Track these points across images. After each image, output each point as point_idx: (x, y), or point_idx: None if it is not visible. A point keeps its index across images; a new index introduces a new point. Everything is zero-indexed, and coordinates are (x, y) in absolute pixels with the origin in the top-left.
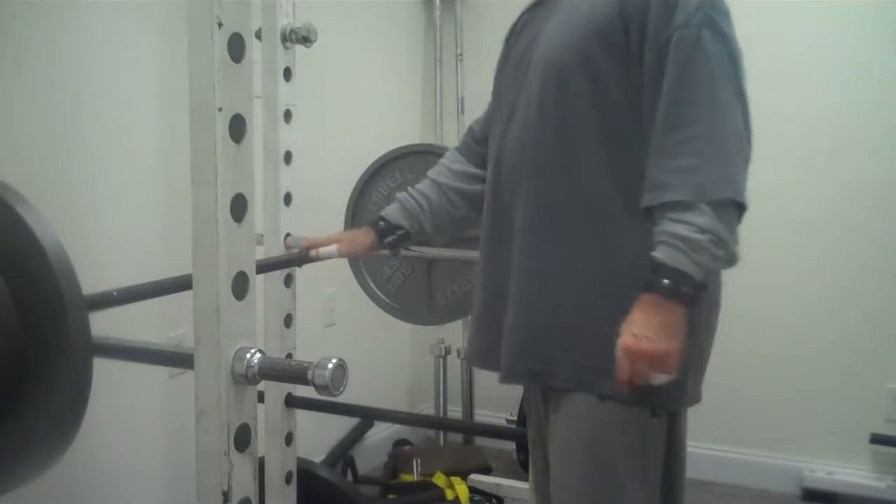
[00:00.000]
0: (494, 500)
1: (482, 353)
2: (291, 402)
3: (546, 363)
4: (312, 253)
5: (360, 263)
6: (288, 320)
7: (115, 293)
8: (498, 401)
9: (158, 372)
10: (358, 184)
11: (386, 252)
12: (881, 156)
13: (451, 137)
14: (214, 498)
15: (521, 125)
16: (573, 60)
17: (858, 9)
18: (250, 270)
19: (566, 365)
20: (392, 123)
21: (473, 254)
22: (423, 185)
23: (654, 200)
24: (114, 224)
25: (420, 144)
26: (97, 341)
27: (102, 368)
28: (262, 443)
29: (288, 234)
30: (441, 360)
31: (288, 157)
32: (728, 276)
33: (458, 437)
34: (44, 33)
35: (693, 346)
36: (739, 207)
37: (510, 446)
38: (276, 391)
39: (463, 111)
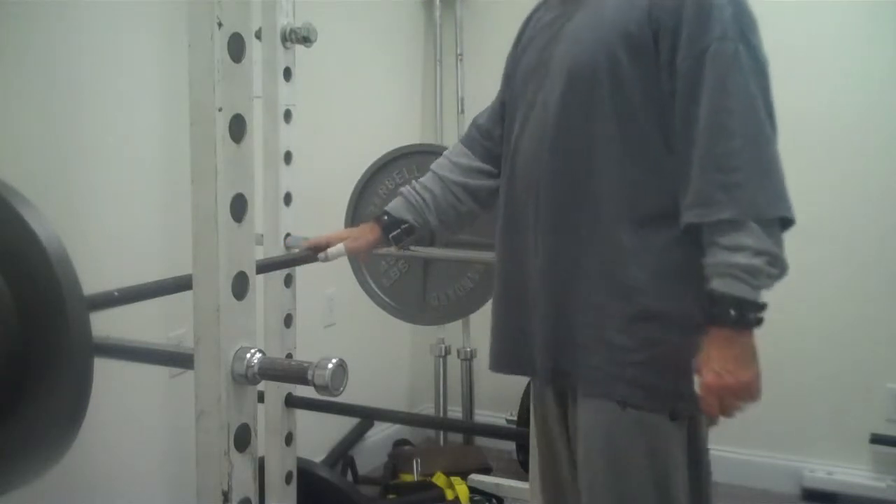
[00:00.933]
0: (494, 500)
1: (505, 357)
2: (291, 402)
3: (570, 365)
4: (321, 255)
5: (360, 263)
6: (288, 320)
7: (116, 293)
8: (498, 401)
9: (158, 372)
10: (358, 184)
11: (391, 248)
12: (881, 155)
13: (451, 137)
14: (214, 498)
15: (540, 126)
16: (598, 64)
17: (858, 8)
18: (250, 270)
19: (587, 369)
20: (392, 123)
21: (471, 255)
22: (427, 179)
23: (704, 218)
24: (114, 224)
25: (420, 144)
26: (97, 341)
27: (102, 368)
28: (262, 443)
29: (288, 234)
30: (441, 360)
31: (288, 157)
32: None
33: (458, 437)
34: (44, 33)
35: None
36: (786, 222)
37: (510, 446)
38: (276, 391)
39: (463, 111)
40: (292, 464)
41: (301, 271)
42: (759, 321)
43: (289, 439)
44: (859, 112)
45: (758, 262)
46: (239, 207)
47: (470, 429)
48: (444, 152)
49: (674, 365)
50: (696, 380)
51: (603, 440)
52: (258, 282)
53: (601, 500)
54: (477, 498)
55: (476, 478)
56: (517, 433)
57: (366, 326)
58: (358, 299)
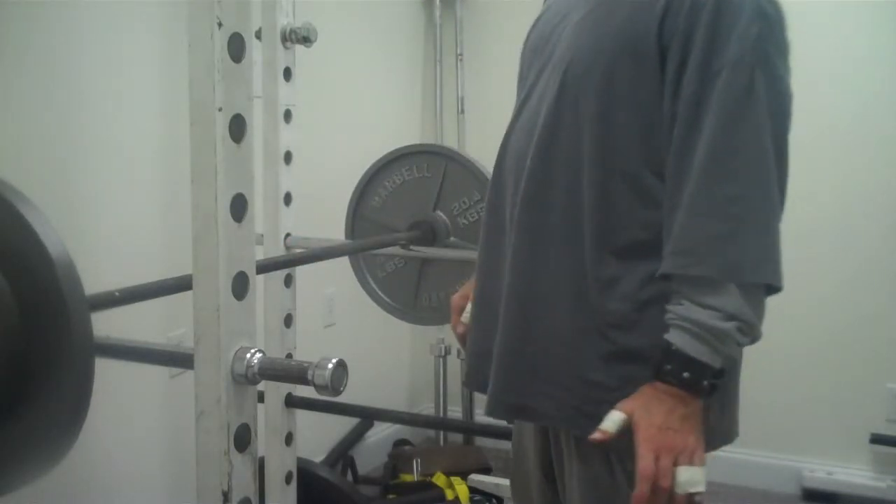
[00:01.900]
0: (494, 500)
1: (472, 376)
2: (291, 402)
3: (533, 400)
4: (460, 328)
5: (360, 262)
6: (288, 320)
7: (117, 293)
8: None
9: (158, 372)
10: (359, 184)
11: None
12: (881, 155)
13: (451, 137)
14: (214, 498)
15: (529, 128)
16: (595, 73)
17: (859, 8)
18: (250, 270)
19: (560, 406)
20: (392, 123)
21: (466, 255)
22: None
23: (680, 270)
24: (114, 224)
25: (420, 144)
26: (98, 341)
27: (103, 368)
28: (262, 443)
29: (288, 234)
30: (441, 360)
31: (288, 157)
32: None
33: (458, 437)
34: (44, 33)
35: (734, 379)
36: (771, 287)
37: (510, 446)
38: (276, 391)
39: (463, 111)
40: (292, 464)
41: (301, 271)
42: (712, 389)
43: (289, 439)
44: (860, 112)
45: (728, 326)
46: (239, 207)
47: (470, 429)
48: None
49: None
50: (614, 417)
51: (575, 479)
52: (258, 282)
53: None
54: (477, 498)
55: (476, 478)
56: None
57: (366, 326)
58: (358, 299)
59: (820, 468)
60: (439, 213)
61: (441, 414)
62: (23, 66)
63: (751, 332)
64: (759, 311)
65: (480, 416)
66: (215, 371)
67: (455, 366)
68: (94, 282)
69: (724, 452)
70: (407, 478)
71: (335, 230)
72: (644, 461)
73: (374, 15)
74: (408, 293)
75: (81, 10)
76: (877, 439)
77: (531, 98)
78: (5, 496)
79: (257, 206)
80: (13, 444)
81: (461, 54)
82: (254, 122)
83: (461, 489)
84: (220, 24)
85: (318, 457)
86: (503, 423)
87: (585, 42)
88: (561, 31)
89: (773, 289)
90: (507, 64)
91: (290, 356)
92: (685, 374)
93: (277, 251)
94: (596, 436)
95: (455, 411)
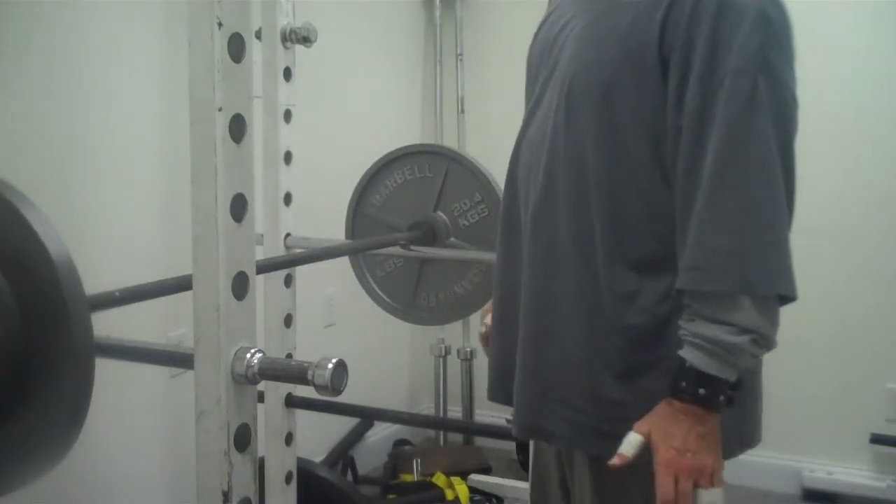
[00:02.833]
0: (494, 500)
1: (494, 390)
2: (291, 402)
3: (551, 424)
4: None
5: (360, 262)
6: (288, 320)
7: (117, 293)
8: None
9: (158, 372)
10: (359, 184)
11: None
12: (880, 155)
13: (451, 137)
14: (214, 498)
15: (540, 137)
16: (595, 86)
17: (860, 7)
18: (250, 270)
19: (575, 427)
20: (392, 123)
21: (465, 255)
22: None
23: (694, 286)
24: (114, 224)
25: (420, 144)
26: (98, 341)
27: (102, 368)
28: (262, 443)
29: (288, 234)
30: (441, 360)
31: (288, 157)
32: None
33: (458, 437)
34: (44, 33)
35: (754, 386)
36: (784, 297)
37: (510, 446)
38: (276, 391)
39: (463, 111)
40: (292, 464)
41: (301, 271)
42: (729, 401)
43: (289, 439)
44: (860, 112)
45: (742, 340)
46: (239, 207)
47: (470, 429)
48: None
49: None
50: (633, 440)
51: (588, 499)
52: (258, 282)
53: None
54: (477, 498)
55: (476, 478)
56: None
57: (366, 326)
58: (358, 299)
59: (820, 468)
60: (440, 213)
61: (441, 414)
62: (23, 66)
63: (766, 344)
64: (774, 322)
65: (480, 416)
66: (215, 371)
67: (455, 366)
68: (94, 282)
69: None
70: (407, 478)
71: (335, 230)
72: (663, 487)
73: (374, 15)
74: (407, 293)
75: (81, 9)
76: (877, 439)
77: (540, 108)
78: (5, 496)
79: (257, 206)
80: (13, 444)
81: (461, 54)
82: (254, 122)
83: (461, 489)
84: (220, 24)
85: (318, 457)
86: (503, 423)
87: (588, 56)
88: (565, 38)
89: (788, 298)
90: (507, 64)
91: (290, 356)
92: (701, 391)
93: (277, 251)
94: (615, 461)
95: (455, 411)
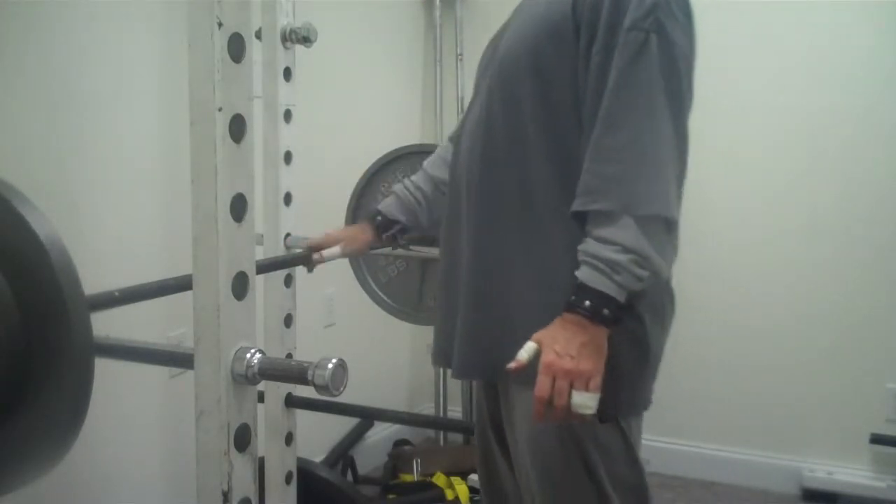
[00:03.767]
0: None
1: (439, 352)
2: (291, 402)
3: (497, 359)
4: (316, 256)
5: (360, 263)
6: (288, 320)
7: (116, 293)
8: None
9: (158, 372)
10: (359, 184)
11: (385, 248)
12: (881, 157)
13: None
14: (214, 498)
15: (476, 120)
16: (524, 58)
17: (862, 8)
18: (250, 270)
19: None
20: (392, 123)
21: None
22: (419, 178)
23: (582, 206)
24: (114, 224)
25: (421, 144)
26: (97, 341)
27: (102, 368)
28: (262, 443)
29: (288, 234)
30: None
31: (288, 157)
32: (727, 277)
33: (458, 437)
34: (44, 33)
35: (641, 359)
36: (671, 222)
37: None
38: (276, 391)
39: (463, 111)
40: (292, 464)
41: (301, 271)
42: (613, 319)
43: (289, 439)
44: (862, 113)
45: (624, 258)
46: (239, 207)
47: (470, 429)
48: (436, 150)
49: (609, 367)
50: (528, 347)
51: (531, 430)
52: (258, 282)
53: (536, 490)
54: (477, 498)
55: (476, 478)
56: None
57: (366, 326)
58: (358, 299)
59: (820, 468)
60: None
61: (441, 414)
62: (23, 66)
63: (648, 266)
64: (658, 245)
65: None
66: (215, 371)
67: None
68: (95, 282)
69: (725, 452)
70: (407, 478)
71: (334, 229)
72: (541, 384)
73: (374, 15)
74: (413, 295)
75: (81, 9)
76: (877, 439)
77: (475, 103)
78: (5, 496)
79: (257, 206)
80: (13, 443)
81: (461, 54)
82: (254, 122)
83: (461, 489)
84: (220, 24)
85: (318, 457)
86: None
87: (517, 34)
88: (500, 44)
89: (672, 224)
90: None
91: (290, 356)
92: (586, 303)
93: (277, 251)
94: (512, 365)
95: (455, 411)
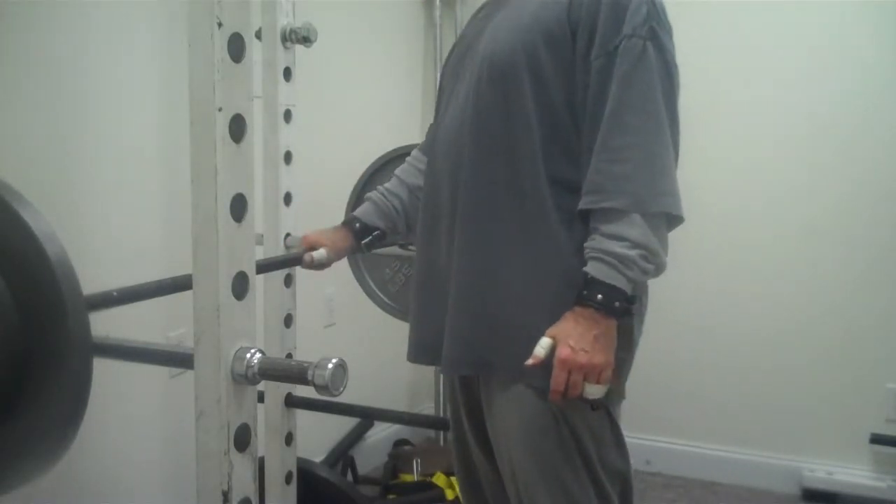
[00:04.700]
0: None
1: (420, 349)
2: (291, 402)
3: (488, 354)
4: (307, 258)
5: (359, 263)
6: (288, 320)
7: (115, 293)
8: None
9: (158, 372)
10: (358, 184)
11: (363, 253)
12: (883, 158)
13: None
14: (214, 498)
15: (459, 119)
16: (518, 59)
17: (863, 8)
18: (250, 270)
19: (509, 357)
20: (392, 123)
21: None
22: (393, 185)
23: (591, 205)
24: (114, 224)
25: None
26: (97, 341)
27: (102, 368)
28: (262, 443)
29: (288, 234)
30: None
31: (288, 157)
32: (727, 278)
33: None
34: (44, 33)
35: (627, 348)
36: (672, 218)
37: None
38: (276, 391)
39: None
40: (292, 464)
41: (301, 271)
42: (623, 311)
43: (289, 439)
44: (863, 114)
45: (633, 253)
46: (239, 207)
47: None
48: (407, 158)
49: None
50: (543, 343)
51: (520, 425)
52: (258, 282)
53: (522, 482)
54: None
55: None
56: None
57: (366, 326)
58: (358, 299)
59: (820, 468)
60: None
61: (441, 414)
62: (23, 66)
63: (654, 260)
64: (662, 241)
65: None
66: (215, 371)
67: None
68: (94, 282)
69: (725, 452)
70: (407, 478)
71: None
72: (557, 378)
73: (374, 15)
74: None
75: (82, 9)
76: (877, 439)
77: (456, 97)
78: (5, 496)
79: (257, 206)
80: (11, 443)
81: None
82: (254, 122)
83: None
84: (220, 24)
85: (318, 457)
86: None
87: (504, 35)
88: (476, 45)
89: (676, 220)
90: None
91: (290, 356)
92: (599, 297)
93: (277, 251)
94: (530, 361)
95: None
